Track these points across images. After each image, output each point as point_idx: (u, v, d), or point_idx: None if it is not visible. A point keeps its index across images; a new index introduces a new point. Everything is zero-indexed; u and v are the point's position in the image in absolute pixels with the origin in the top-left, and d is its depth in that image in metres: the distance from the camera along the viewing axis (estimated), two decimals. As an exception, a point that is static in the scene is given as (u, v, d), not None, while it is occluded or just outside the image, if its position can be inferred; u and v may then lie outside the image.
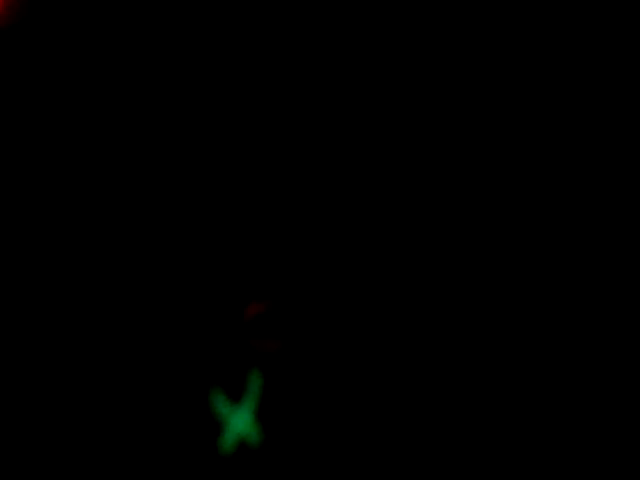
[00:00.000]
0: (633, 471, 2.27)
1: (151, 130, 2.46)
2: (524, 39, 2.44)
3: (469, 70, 2.45)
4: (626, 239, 2.39)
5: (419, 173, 2.42)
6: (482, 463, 2.28)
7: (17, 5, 2.47)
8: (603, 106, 2.43)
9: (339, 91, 2.46)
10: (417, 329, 2.33)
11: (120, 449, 2.30)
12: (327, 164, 2.43)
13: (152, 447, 2.30)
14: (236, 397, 2.32)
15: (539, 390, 2.34)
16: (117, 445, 2.30)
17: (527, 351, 2.35)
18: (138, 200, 2.42)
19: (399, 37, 2.46)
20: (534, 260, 2.39)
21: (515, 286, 2.38)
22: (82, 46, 2.48)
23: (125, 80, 2.47)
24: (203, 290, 2.39)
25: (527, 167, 2.42)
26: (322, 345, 2.33)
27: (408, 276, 2.37)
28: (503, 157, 2.43)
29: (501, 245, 2.40)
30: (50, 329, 2.36)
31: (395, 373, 2.31)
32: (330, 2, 2.47)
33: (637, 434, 2.29)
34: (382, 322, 2.34)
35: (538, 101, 2.44)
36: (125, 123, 2.46)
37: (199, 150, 2.45)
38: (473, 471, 2.28)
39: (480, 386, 2.32)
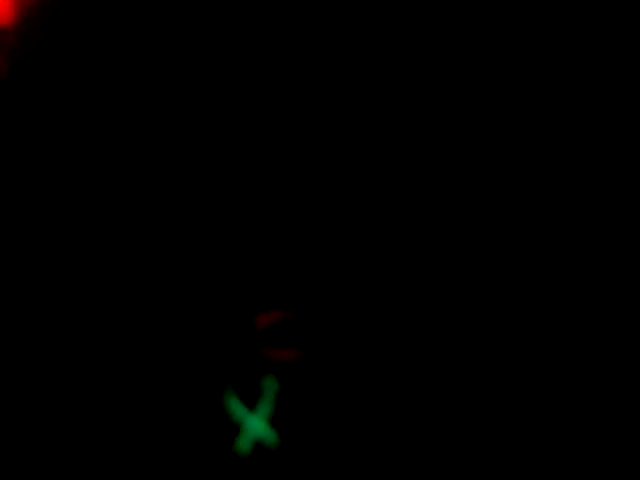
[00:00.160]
0: (633, 471, 2.32)
1: (155, 132, 2.49)
2: (524, 39, 2.46)
3: (469, 70, 2.48)
4: (626, 239, 2.42)
5: (420, 173, 2.48)
6: (486, 464, 2.38)
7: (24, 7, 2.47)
8: (603, 106, 2.45)
9: (339, 91, 2.49)
10: (429, 337, 2.43)
11: (138, 452, 2.40)
12: (331, 167, 2.48)
13: (168, 448, 2.41)
14: (252, 402, 2.43)
15: (539, 390, 2.39)
16: (135, 448, 2.41)
17: (527, 351, 2.41)
18: (148, 208, 2.48)
19: (399, 37, 2.48)
20: (534, 260, 2.44)
21: (515, 286, 2.43)
22: (81, 45, 2.50)
23: (125, 80, 2.49)
24: (220, 296, 2.47)
25: (527, 167, 2.46)
26: (337, 353, 2.43)
27: (418, 283, 2.45)
28: (503, 157, 2.47)
29: (501, 245, 2.45)
30: (60, 342, 2.44)
31: (409, 380, 2.41)
32: (330, 2, 2.49)
33: (637, 434, 2.34)
34: (394, 329, 2.44)
35: (538, 101, 2.46)
36: (126, 123, 2.48)
37: (207, 156, 2.49)
38: (479, 473, 2.40)
39: (490, 390, 2.40)
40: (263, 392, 2.42)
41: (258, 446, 2.40)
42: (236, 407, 2.41)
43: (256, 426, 2.40)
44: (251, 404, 2.42)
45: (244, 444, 2.40)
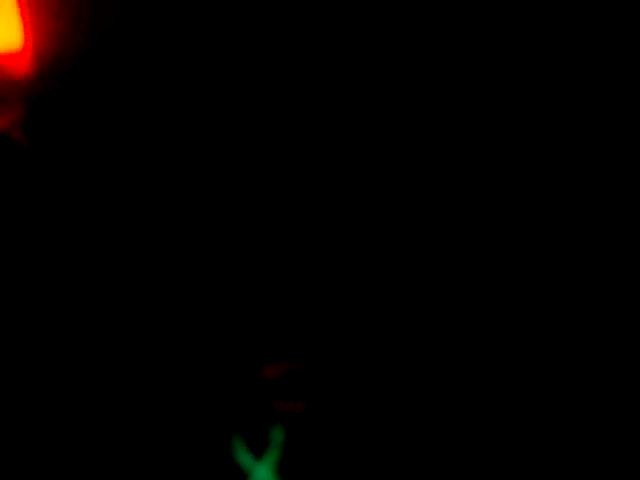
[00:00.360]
0: (633, 471, 2.33)
1: (155, 132, 2.52)
2: (524, 39, 2.47)
3: (469, 70, 2.49)
4: (626, 239, 2.43)
5: (419, 173, 2.50)
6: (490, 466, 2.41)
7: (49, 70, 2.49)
8: (603, 106, 2.45)
9: (339, 91, 2.52)
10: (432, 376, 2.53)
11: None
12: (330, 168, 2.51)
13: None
14: (259, 451, 2.51)
15: (539, 390, 2.42)
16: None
17: (526, 350, 2.43)
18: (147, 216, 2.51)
19: (399, 37, 2.50)
20: (534, 260, 2.46)
21: (514, 285, 2.46)
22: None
23: (128, 81, 2.53)
24: (229, 347, 2.54)
25: (527, 167, 2.47)
26: (342, 405, 2.53)
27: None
28: (503, 157, 2.48)
29: (501, 245, 2.47)
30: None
31: (410, 418, 2.53)
32: (330, 2, 2.50)
33: (637, 434, 2.35)
34: (398, 376, 2.55)
35: (538, 101, 2.48)
36: (126, 124, 2.52)
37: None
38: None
39: (493, 395, 2.42)
40: (270, 442, 2.50)
41: (265, 494, 2.48)
42: (244, 456, 2.49)
43: (263, 475, 2.48)
44: (259, 453, 2.50)
45: (251, 492, 2.48)
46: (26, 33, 2.47)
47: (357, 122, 2.53)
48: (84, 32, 2.46)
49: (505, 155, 2.49)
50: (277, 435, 2.50)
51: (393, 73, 2.52)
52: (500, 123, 2.50)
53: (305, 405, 2.52)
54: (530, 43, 2.48)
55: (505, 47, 2.48)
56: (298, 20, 2.52)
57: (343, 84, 2.52)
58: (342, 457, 2.51)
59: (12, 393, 2.45)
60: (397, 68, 2.51)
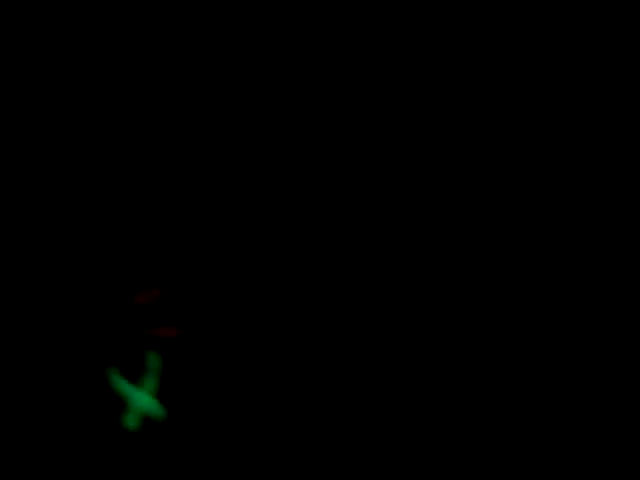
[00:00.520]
0: (633, 471, 2.36)
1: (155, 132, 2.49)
2: (524, 39, 2.48)
3: (469, 70, 2.50)
4: (626, 239, 2.44)
5: (415, 173, 2.50)
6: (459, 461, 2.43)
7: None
8: (603, 106, 2.47)
9: (339, 91, 2.52)
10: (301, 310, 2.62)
11: (31, 437, 2.42)
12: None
13: (58, 430, 2.45)
14: (136, 378, 2.51)
15: (539, 390, 2.44)
16: (29, 434, 2.42)
17: (525, 350, 2.45)
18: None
19: (399, 37, 2.50)
20: (534, 260, 2.47)
21: (514, 285, 2.47)
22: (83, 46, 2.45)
23: (125, 80, 2.48)
24: (98, 279, 2.52)
25: (527, 167, 2.48)
26: (215, 329, 2.57)
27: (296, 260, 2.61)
28: (503, 157, 2.49)
29: (500, 245, 2.48)
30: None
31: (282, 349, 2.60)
32: (330, 2, 2.50)
33: (637, 434, 2.38)
34: (270, 306, 2.61)
35: (538, 101, 2.48)
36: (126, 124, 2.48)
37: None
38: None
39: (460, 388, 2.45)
40: (147, 368, 2.51)
41: (146, 420, 2.50)
42: (122, 384, 2.49)
43: (143, 401, 2.50)
44: (136, 380, 2.51)
45: (132, 420, 2.49)
46: None
47: (357, 122, 2.53)
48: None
49: (505, 155, 2.50)
50: (153, 361, 2.52)
51: (393, 73, 2.51)
52: (500, 123, 2.50)
53: (178, 330, 2.54)
54: (530, 43, 2.48)
55: (505, 47, 2.48)
56: (298, 20, 2.50)
57: (343, 84, 2.52)
58: (219, 380, 2.56)
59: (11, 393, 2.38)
60: (397, 68, 2.51)
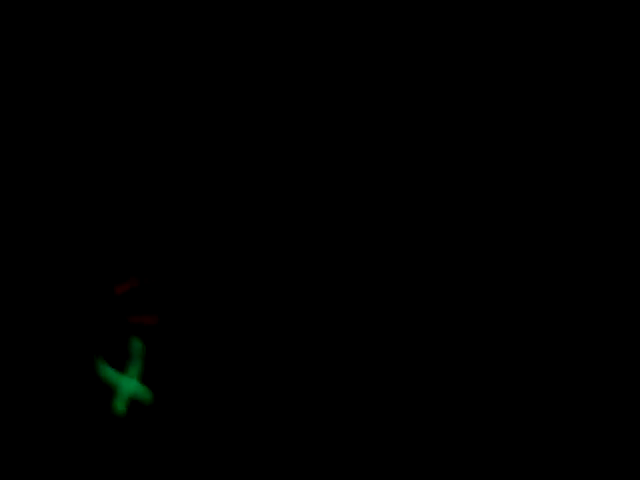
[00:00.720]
0: (633, 471, 2.36)
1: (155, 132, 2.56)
2: (524, 39, 2.48)
3: (469, 70, 2.51)
4: (626, 239, 2.44)
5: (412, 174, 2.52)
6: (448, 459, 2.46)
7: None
8: (603, 106, 2.46)
9: (338, 91, 2.55)
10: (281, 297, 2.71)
11: (21, 425, 2.56)
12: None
13: (50, 419, 2.58)
14: (122, 365, 2.64)
15: (539, 390, 2.46)
16: (18, 423, 2.56)
17: (525, 350, 2.47)
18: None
19: (399, 37, 2.51)
20: (534, 260, 2.48)
21: (512, 286, 2.49)
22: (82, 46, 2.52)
23: (125, 80, 2.55)
24: (77, 269, 2.63)
25: (527, 167, 2.49)
26: (191, 315, 2.68)
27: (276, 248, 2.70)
28: (503, 157, 2.50)
29: (499, 245, 2.49)
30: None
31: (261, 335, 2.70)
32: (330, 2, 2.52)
33: (637, 434, 2.38)
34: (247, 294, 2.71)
35: (538, 101, 2.49)
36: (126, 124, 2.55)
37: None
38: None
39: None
40: (131, 354, 2.63)
41: (134, 403, 2.63)
42: (108, 372, 2.62)
43: (130, 386, 2.62)
44: (121, 367, 2.63)
45: (120, 404, 2.62)
46: None
47: (357, 122, 2.55)
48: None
49: (505, 155, 2.50)
50: (136, 346, 2.64)
51: (393, 73, 2.53)
52: (500, 123, 2.50)
53: (157, 317, 2.65)
54: (530, 43, 2.48)
55: (505, 47, 2.48)
56: (298, 20, 2.53)
57: (343, 84, 2.54)
58: (200, 362, 2.67)
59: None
60: (397, 68, 2.52)
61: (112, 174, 2.64)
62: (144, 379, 2.64)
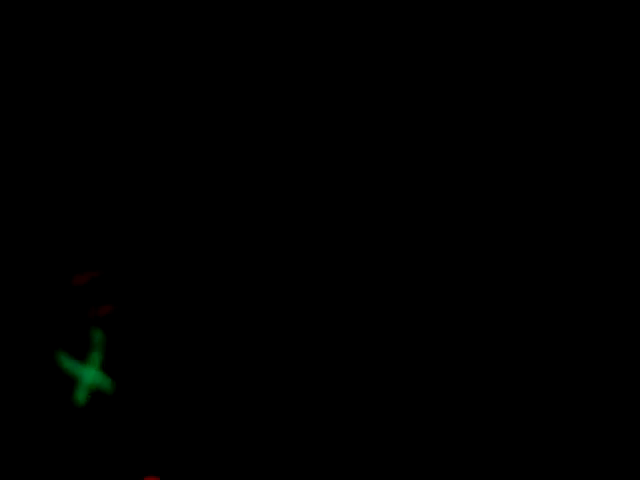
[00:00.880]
0: (633, 471, 2.36)
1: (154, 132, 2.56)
2: (524, 39, 2.49)
3: (469, 70, 2.51)
4: (626, 239, 2.44)
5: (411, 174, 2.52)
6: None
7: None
8: (603, 106, 2.47)
9: (338, 91, 2.55)
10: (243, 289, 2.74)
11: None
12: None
13: (14, 411, 2.58)
14: (82, 355, 2.65)
15: (539, 390, 2.46)
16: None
17: (525, 350, 2.47)
18: None
19: (399, 37, 2.51)
20: (534, 260, 2.48)
21: (511, 286, 2.50)
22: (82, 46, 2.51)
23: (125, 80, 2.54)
24: (36, 261, 2.64)
25: (527, 167, 2.49)
26: (149, 305, 2.70)
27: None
28: (503, 157, 2.51)
29: (498, 245, 2.50)
30: None
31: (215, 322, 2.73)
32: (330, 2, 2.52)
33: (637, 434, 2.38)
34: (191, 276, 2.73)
35: (538, 101, 2.50)
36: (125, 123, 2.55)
37: None
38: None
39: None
40: (91, 344, 2.65)
41: (95, 393, 2.64)
42: (69, 363, 2.62)
43: (91, 376, 2.63)
44: (82, 357, 2.64)
45: (82, 394, 2.62)
46: None
47: (357, 122, 2.54)
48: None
49: (505, 155, 2.50)
50: (96, 337, 2.65)
51: (393, 73, 2.53)
52: (500, 123, 2.51)
53: (114, 307, 2.67)
54: (530, 43, 2.49)
55: (505, 47, 2.49)
56: (298, 20, 2.52)
57: (343, 84, 2.53)
58: (161, 350, 2.69)
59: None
60: (397, 68, 2.52)
61: (75, 164, 2.65)
62: (105, 369, 2.65)
